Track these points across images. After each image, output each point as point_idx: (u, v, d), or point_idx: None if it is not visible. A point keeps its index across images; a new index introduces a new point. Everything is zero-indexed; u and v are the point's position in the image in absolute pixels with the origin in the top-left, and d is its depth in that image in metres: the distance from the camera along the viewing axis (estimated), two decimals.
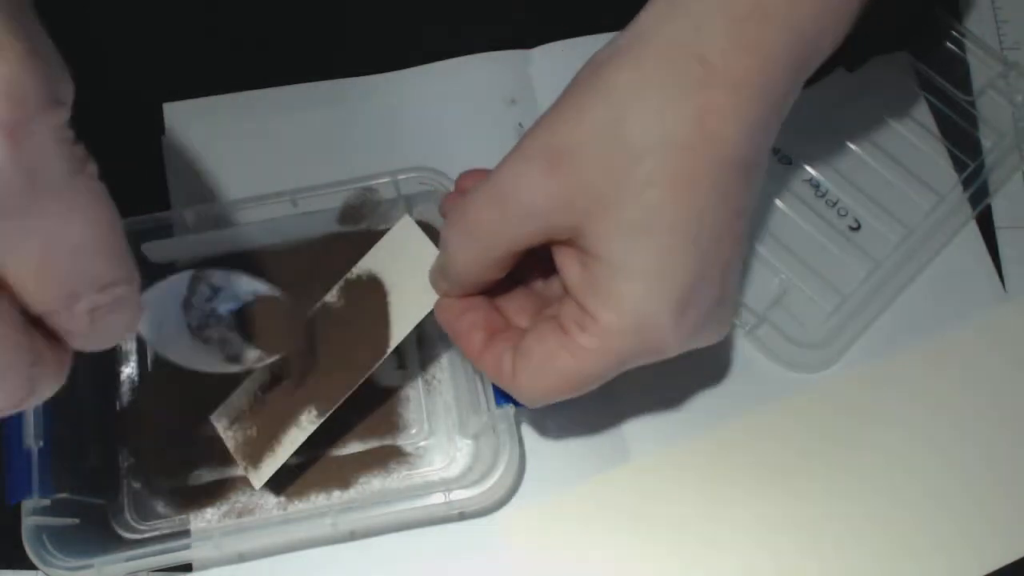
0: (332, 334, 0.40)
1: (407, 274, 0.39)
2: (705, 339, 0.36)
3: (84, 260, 0.25)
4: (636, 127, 0.32)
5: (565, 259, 0.34)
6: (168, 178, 0.47)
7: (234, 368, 0.37)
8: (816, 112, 0.46)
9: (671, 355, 0.34)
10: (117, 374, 0.44)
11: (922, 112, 0.48)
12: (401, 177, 0.43)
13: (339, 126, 0.48)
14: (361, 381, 0.39)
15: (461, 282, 0.36)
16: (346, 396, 0.39)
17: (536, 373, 0.34)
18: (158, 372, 0.44)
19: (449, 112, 0.49)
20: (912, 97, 0.48)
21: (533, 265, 0.38)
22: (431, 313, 0.38)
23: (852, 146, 0.47)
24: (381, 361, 0.39)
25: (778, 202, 0.46)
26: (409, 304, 0.39)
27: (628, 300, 0.32)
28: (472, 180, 0.40)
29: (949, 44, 0.48)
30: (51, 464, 0.39)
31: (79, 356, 0.27)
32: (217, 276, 0.37)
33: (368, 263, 0.40)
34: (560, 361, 0.34)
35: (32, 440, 0.38)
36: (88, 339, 0.26)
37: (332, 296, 0.41)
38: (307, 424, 0.39)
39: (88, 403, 0.43)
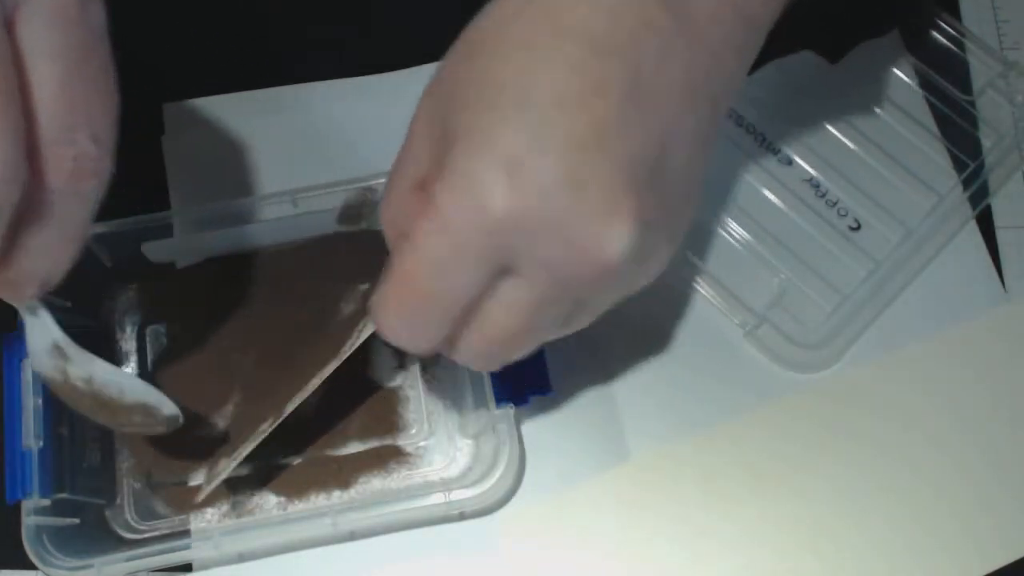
0: (302, 346, 0.41)
1: None
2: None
3: (93, 95, 0.28)
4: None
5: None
6: (168, 178, 0.47)
7: None
8: (816, 112, 0.46)
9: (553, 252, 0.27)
10: None
11: (922, 112, 0.48)
12: None
13: (339, 126, 0.48)
14: (310, 390, 0.36)
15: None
16: (294, 406, 0.37)
17: (385, 293, 0.30)
18: (158, 372, 0.44)
19: None
20: (912, 97, 0.48)
21: None
22: None
23: (852, 146, 0.47)
24: (328, 371, 0.36)
25: (778, 202, 0.46)
26: None
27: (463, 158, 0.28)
28: None
29: (949, 44, 0.48)
30: (51, 464, 0.39)
31: None
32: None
33: None
34: (398, 266, 0.29)
35: (32, 440, 0.38)
36: (55, 201, 0.28)
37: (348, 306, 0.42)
38: (259, 435, 0.38)
39: None
